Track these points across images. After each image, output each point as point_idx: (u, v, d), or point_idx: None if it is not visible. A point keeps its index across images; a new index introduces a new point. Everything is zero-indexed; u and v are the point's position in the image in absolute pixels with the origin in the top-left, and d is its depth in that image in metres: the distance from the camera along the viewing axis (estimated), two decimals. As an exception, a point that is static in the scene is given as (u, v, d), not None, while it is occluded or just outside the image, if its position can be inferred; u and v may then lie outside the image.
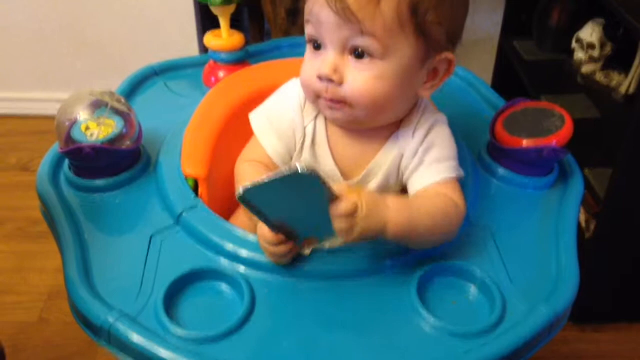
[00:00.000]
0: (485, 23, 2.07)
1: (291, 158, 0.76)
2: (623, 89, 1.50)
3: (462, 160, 0.75)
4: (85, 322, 0.63)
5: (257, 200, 0.59)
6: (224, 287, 0.66)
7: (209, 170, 0.79)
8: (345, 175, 0.75)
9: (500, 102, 0.95)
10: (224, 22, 0.99)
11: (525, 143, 0.79)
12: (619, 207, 1.22)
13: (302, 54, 0.72)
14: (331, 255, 0.67)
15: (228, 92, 0.90)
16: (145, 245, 0.70)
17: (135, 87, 0.98)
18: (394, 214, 0.62)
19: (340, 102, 0.68)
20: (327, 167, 0.75)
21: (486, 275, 0.66)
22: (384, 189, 0.74)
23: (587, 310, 1.31)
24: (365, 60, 0.65)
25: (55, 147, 0.82)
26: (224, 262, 0.67)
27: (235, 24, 1.02)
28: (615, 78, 1.54)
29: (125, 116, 0.79)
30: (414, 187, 0.72)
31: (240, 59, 1.00)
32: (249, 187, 0.56)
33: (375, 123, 0.71)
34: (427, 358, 0.60)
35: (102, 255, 0.69)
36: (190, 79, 1.02)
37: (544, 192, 0.80)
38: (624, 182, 1.18)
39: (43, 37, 1.92)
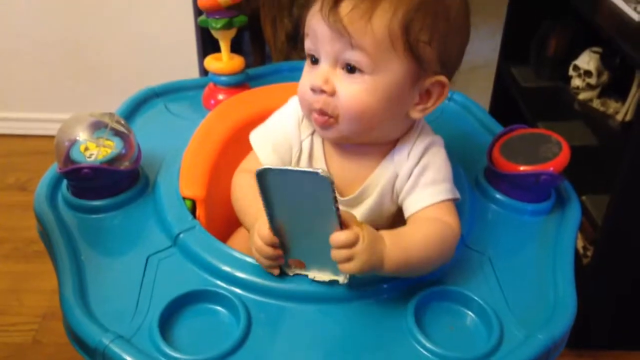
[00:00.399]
0: (483, 49, 2.09)
1: None
2: (620, 116, 1.51)
3: (458, 185, 0.75)
4: (80, 344, 0.62)
5: (273, 185, 0.59)
6: (220, 309, 0.65)
7: (207, 192, 0.79)
8: (341, 192, 0.75)
9: (497, 127, 0.95)
10: (224, 46, 1.00)
11: (522, 169, 0.79)
12: (617, 233, 1.22)
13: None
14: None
15: (227, 115, 0.90)
16: (142, 267, 0.70)
17: (135, 108, 0.98)
18: (391, 250, 0.63)
19: (329, 117, 0.69)
20: None
21: (483, 301, 0.66)
22: (378, 207, 0.75)
23: (585, 336, 1.31)
24: (356, 74, 0.67)
25: (54, 168, 0.82)
26: (220, 284, 0.67)
27: (236, 47, 1.03)
28: (612, 105, 1.55)
29: (124, 137, 0.79)
30: (409, 209, 0.72)
31: (240, 82, 1.01)
32: (272, 167, 0.58)
33: (364, 139, 0.72)
34: (423, 384, 0.59)
35: (98, 276, 0.69)
36: (190, 101, 1.03)
37: (542, 218, 0.80)
38: (621, 209, 1.18)
39: (46, 60, 1.94)
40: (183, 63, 1.90)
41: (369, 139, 0.72)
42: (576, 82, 1.61)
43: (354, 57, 0.66)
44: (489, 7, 1.98)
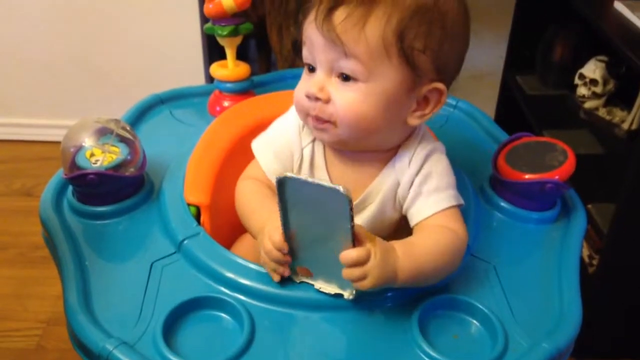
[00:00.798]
0: (488, 57, 2.09)
1: None
2: (626, 125, 1.50)
3: (463, 193, 0.75)
4: (84, 349, 0.62)
5: (291, 193, 0.59)
6: (223, 316, 0.65)
7: (211, 199, 0.79)
8: None
9: (502, 135, 0.95)
10: (230, 53, 1.00)
11: (528, 177, 0.79)
12: (622, 242, 1.21)
13: (305, 86, 0.73)
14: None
15: (232, 122, 0.90)
16: (146, 273, 0.70)
17: (140, 114, 0.99)
18: (403, 262, 0.63)
19: (326, 122, 0.69)
20: None
21: (488, 310, 0.65)
22: (380, 215, 0.74)
23: (590, 346, 1.30)
24: (351, 82, 0.67)
25: (59, 173, 0.82)
26: (224, 291, 0.67)
27: (242, 54, 1.04)
28: (618, 114, 1.55)
29: (130, 143, 0.79)
30: (414, 218, 0.72)
31: (245, 89, 1.01)
32: (293, 176, 0.58)
33: (362, 146, 0.72)
34: (427, 392, 0.59)
35: (103, 281, 0.69)
36: (195, 107, 1.03)
37: (547, 227, 0.80)
38: (626, 218, 1.18)
39: (53, 66, 1.95)
40: (189, 70, 1.91)
41: (368, 145, 0.72)
42: (582, 90, 1.60)
43: (348, 65, 0.66)
44: (495, 16, 1.99)
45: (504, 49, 1.92)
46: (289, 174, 0.58)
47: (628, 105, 1.53)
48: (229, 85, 1.00)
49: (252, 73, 1.03)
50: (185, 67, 1.91)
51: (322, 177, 0.75)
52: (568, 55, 1.70)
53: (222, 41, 0.98)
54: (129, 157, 0.78)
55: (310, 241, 0.63)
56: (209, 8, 0.95)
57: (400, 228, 0.76)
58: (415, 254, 0.64)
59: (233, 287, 0.67)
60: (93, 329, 0.62)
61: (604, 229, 1.24)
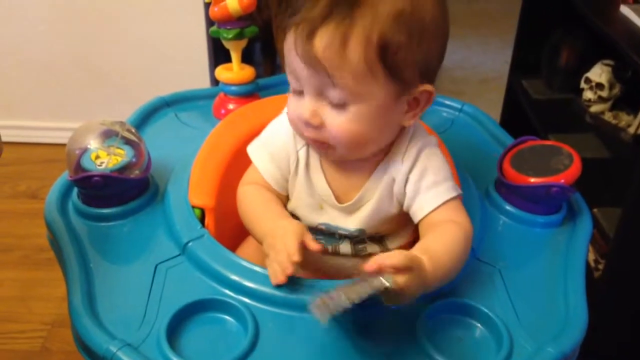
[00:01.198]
0: (494, 62, 2.09)
1: (286, 181, 0.77)
2: (632, 129, 1.50)
3: (468, 196, 0.75)
4: (88, 351, 0.62)
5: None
6: (228, 318, 0.65)
7: (216, 201, 0.80)
8: (339, 199, 0.75)
9: (508, 139, 0.95)
10: (235, 56, 1.00)
11: (533, 180, 0.79)
12: (628, 246, 1.21)
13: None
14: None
15: (237, 124, 0.91)
16: (150, 275, 0.70)
17: (145, 117, 0.99)
18: (432, 274, 0.63)
19: (323, 143, 0.69)
20: (322, 190, 0.75)
21: (493, 314, 0.65)
22: (377, 212, 0.75)
23: (596, 350, 1.29)
24: (341, 107, 0.66)
25: (65, 175, 0.82)
26: (228, 294, 0.67)
27: (247, 57, 1.04)
28: (624, 118, 1.55)
29: (135, 145, 0.79)
30: (417, 214, 0.72)
31: (250, 92, 1.01)
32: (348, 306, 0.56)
33: (361, 156, 0.72)
34: (432, 396, 0.59)
35: (107, 283, 0.69)
36: (200, 110, 1.03)
37: (552, 230, 0.80)
38: (632, 222, 1.17)
39: (57, 68, 1.95)
40: (194, 73, 1.91)
41: (367, 153, 0.72)
42: (588, 94, 1.60)
43: (337, 95, 0.65)
44: (500, 21, 1.99)
45: (509, 53, 1.92)
46: (347, 301, 0.56)
47: (634, 110, 1.52)
48: (234, 88, 1.00)
49: (257, 76, 1.03)
50: (191, 70, 1.91)
51: (318, 178, 0.75)
52: (574, 59, 1.70)
53: (227, 44, 0.99)
54: (134, 160, 0.78)
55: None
56: (214, 11, 0.95)
57: (401, 222, 0.77)
58: (440, 262, 0.65)
59: (237, 290, 0.67)
60: (97, 331, 0.62)
61: (609, 233, 1.24)
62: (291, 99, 0.71)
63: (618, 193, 1.22)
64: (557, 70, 1.74)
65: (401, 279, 0.58)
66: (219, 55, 1.86)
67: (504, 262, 0.74)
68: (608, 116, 1.57)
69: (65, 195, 0.81)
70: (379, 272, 0.58)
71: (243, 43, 0.99)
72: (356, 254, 0.78)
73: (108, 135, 0.79)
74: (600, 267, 1.28)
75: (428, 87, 0.69)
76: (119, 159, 0.78)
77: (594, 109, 1.59)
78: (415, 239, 0.79)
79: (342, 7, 0.62)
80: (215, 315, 0.65)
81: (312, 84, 0.66)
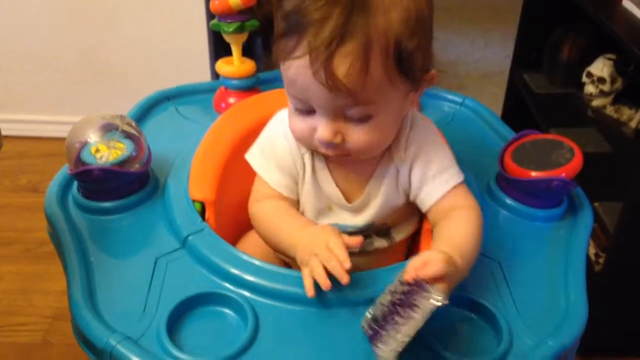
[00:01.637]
0: (496, 56, 2.09)
1: (296, 185, 0.76)
2: (633, 124, 1.50)
3: (470, 190, 0.74)
4: (88, 344, 0.62)
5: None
6: (228, 312, 0.65)
7: (216, 195, 0.79)
8: (348, 198, 0.75)
9: (509, 133, 0.95)
10: (235, 50, 1.00)
11: (534, 174, 0.78)
12: (629, 241, 1.20)
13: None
14: (336, 282, 0.66)
15: (238, 118, 0.90)
16: (150, 268, 0.70)
17: (146, 111, 0.99)
18: (462, 267, 0.63)
19: (342, 155, 0.69)
20: (330, 191, 0.75)
21: (494, 307, 0.65)
22: (386, 205, 0.75)
23: (596, 343, 1.29)
24: (363, 121, 0.65)
25: (65, 169, 0.82)
26: (228, 287, 0.67)
27: (247, 51, 1.03)
28: (626, 112, 1.54)
29: (135, 139, 0.79)
30: (425, 203, 0.73)
31: (251, 86, 1.01)
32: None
33: (375, 155, 0.72)
34: (431, 390, 0.59)
35: (107, 277, 0.69)
36: (201, 104, 1.03)
37: (553, 225, 0.79)
38: (633, 216, 1.17)
39: (58, 63, 1.95)
40: (195, 66, 1.91)
41: (381, 151, 0.72)
42: (589, 88, 1.60)
43: (358, 112, 0.64)
44: (502, 15, 1.98)
45: (511, 47, 1.92)
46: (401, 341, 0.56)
47: (636, 104, 1.52)
48: (234, 82, 1.00)
49: (258, 70, 1.02)
50: (191, 64, 1.91)
51: (326, 180, 0.75)
52: (576, 53, 1.70)
53: (228, 38, 0.98)
54: (134, 153, 0.78)
55: None
56: (215, 5, 0.95)
57: (409, 212, 0.77)
58: (467, 253, 0.65)
59: (237, 283, 0.67)
60: (97, 324, 0.62)
61: (610, 227, 1.24)
62: (296, 118, 0.68)
63: (619, 187, 1.22)
64: (559, 65, 1.73)
65: (443, 287, 0.58)
66: (219, 49, 1.86)
67: (505, 256, 0.74)
68: (610, 110, 1.57)
69: (65, 188, 0.81)
70: (419, 284, 0.57)
71: (244, 37, 0.99)
72: (363, 250, 0.78)
73: (108, 129, 0.79)
74: (601, 261, 1.28)
75: (432, 73, 0.69)
76: (119, 152, 0.77)
77: (596, 103, 1.59)
78: (419, 228, 0.80)
79: (356, 23, 0.59)
80: (215, 309, 0.65)
81: (331, 106, 0.64)
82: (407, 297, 0.58)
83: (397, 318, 0.58)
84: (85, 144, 0.77)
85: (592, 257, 1.32)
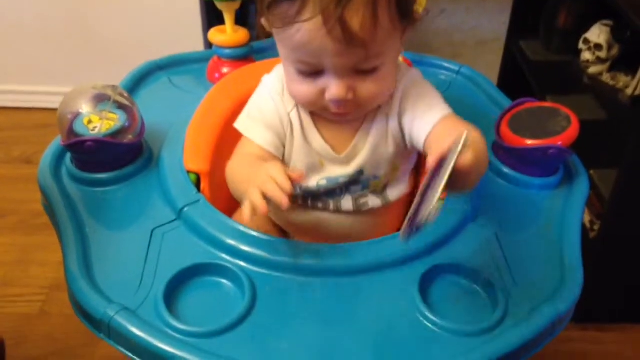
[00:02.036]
0: (492, 23, 2.07)
1: (283, 145, 0.76)
2: (630, 91, 1.49)
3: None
4: (85, 315, 0.62)
5: None
6: (225, 282, 0.65)
7: (211, 166, 0.79)
8: (336, 150, 0.75)
9: (506, 101, 0.94)
10: (228, 18, 0.98)
11: (530, 143, 0.78)
12: (624, 208, 1.21)
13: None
14: (333, 251, 0.67)
15: (231, 88, 0.89)
16: (147, 240, 0.70)
17: (138, 81, 0.98)
18: (482, 144, 0.61)
19: (347, 112, 0.69)
20: (319, 147, 0.75)
21: (489, 275, 0.65)
22: (375, 154, 0.75)
23: (590, 310, 1.31)
24: (372, 72, 0.66)
25: (57, 140, 0.82)
26: (225, 258, 0.67)
27: (241, 20, 1.02)
28: (622, 79, 1.53)
29: (127, 110, 0.78)
30: (420, 135, 0.69)
31: (245, 55, 1.00)
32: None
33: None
34: (428, 356, 0.60)
35: (103, 248, 0.69)
36: (194, 74, 1.02)
37: (549, 192, 0.80)
38: (628, 183, 1.17)
39: (49, 32, 1.92)
40: (187, 36, 1.89)
41: None
42: (586, 55, 1.58)
43: (372, 64, 0.65)
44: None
45: (507, 15, 1.90)
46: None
47: (633, 71, 1.51)
48: (227, 51, 0.98)
49: (252, 39, 1.01)
50: (184, 33, 1.88)
51: (314, 136, 0.75)
52: (572, 20, 1.68)
53: (220, 6, 0.97)
54: (127, 124, 0.77)
55: None
56: (206, -29, 0.93)
57: (399, 168, 0.77)
58: (477, 140, 0.60)
59: (234, 254, 0.67)
60: (94, 295, 0.62)
61: (605, 194, 1.24)
62: (301, 83, 0.68)
63: (615, 154, 1.22)
64: (556, 32, 1.72)
65: (467, 155, 0.56)
66: (212, 17, 1.84)
67: (501, 224, 0.74)
68: (606, 77, 1.56)
69: (58, 160, 0.81)
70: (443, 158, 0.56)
71: (236, 5, 0.97)
72: (358, 210, 0.78)
73: (100, 99, 0.78)
74: (596, 228, 1.29)
75: (419, 7, 0.69)
76: (112, 123, 0.77)
77: (592, 70, 1.58)
78: (414, 189, 0.80)
79: None
80: (212, 279, 0.66)
81: (344, 62, 0.64)
82: (434, 176, 0.57)
83: (429, 191, 0.56)
84: (77, 115, 0.76)
85: (587, 224, 1.33)
